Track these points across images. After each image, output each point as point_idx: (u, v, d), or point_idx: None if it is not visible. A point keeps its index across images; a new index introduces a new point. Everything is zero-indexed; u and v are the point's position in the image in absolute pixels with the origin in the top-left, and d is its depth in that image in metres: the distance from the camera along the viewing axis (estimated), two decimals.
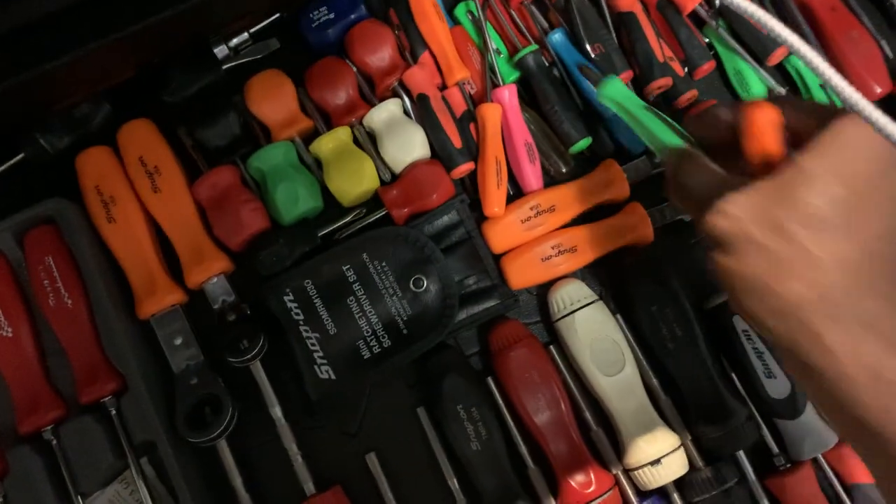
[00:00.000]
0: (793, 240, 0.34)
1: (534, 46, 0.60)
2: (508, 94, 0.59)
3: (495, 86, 0.60)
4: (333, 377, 0.56)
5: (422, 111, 0.59)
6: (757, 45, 0.60)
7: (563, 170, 0.61)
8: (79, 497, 0.54)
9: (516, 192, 0.61)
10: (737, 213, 0.35)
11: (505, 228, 0.59)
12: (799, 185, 0.34)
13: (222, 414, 0.54)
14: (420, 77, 0.59)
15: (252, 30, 0.60)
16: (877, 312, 0.33)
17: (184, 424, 0.54)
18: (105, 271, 0.57)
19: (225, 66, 0.60)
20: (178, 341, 0.57)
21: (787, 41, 0.35)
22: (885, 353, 0.33)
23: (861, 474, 0.57)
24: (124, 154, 0.58)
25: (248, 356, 0.55)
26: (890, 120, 0.34)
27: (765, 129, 0.37)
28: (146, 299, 0.56)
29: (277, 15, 0.60)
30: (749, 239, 0.35)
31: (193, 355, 0.56)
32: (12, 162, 0.59)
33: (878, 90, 0.60)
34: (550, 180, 0.61)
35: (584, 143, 0.59)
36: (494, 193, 0.57)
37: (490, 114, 0.59)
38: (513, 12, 0.63)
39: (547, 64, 0.61)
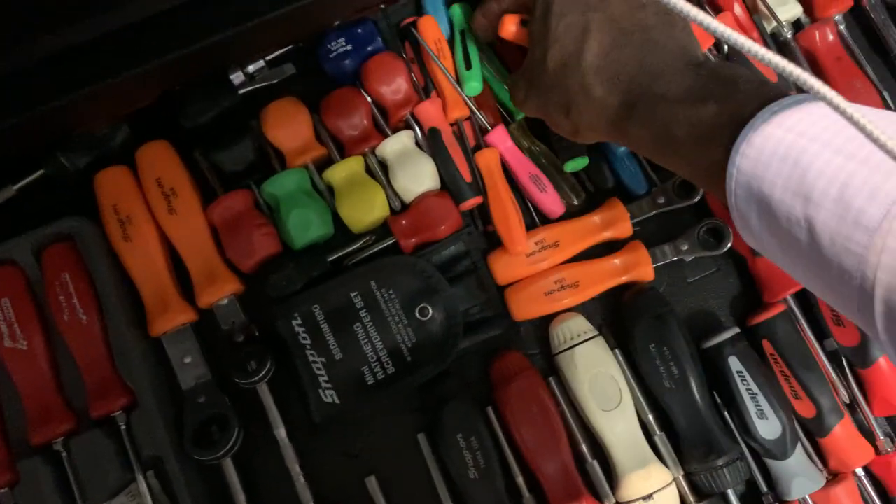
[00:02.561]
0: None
1: None
2: (498, 137, 0.61)
3: (486, 131, 0.62)
4: (337, 402, 0.57)
5: (432, 145, 0.60)
6: None
7: (575, 202, 0.62)
8: None
9: (541, 220, 0.63)
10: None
11: (510, 261, 0.60)
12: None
13: (228, 433, 0.56)
14: (431, 111, 0.61)
15: (268, 57, 0.61)
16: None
17: (191, 442, 0.56)
18: (119, 288, 0.59)
19: (241, 92, 0.61)
20: (188, 360, 0.58)
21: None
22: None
23: None
24: (142, 175, 0.60)
25: (256, 378, 0.56)
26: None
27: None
28: (158, 317, 0.58)
29: (292, 46, 0.62)
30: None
31: (202, 374, 0.58)
32: (32, 178, 0.60)
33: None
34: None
35: (580, 163, 0.61)
36: (513, 232, 0.58)
37: (488, 159, 0.60)
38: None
39: None
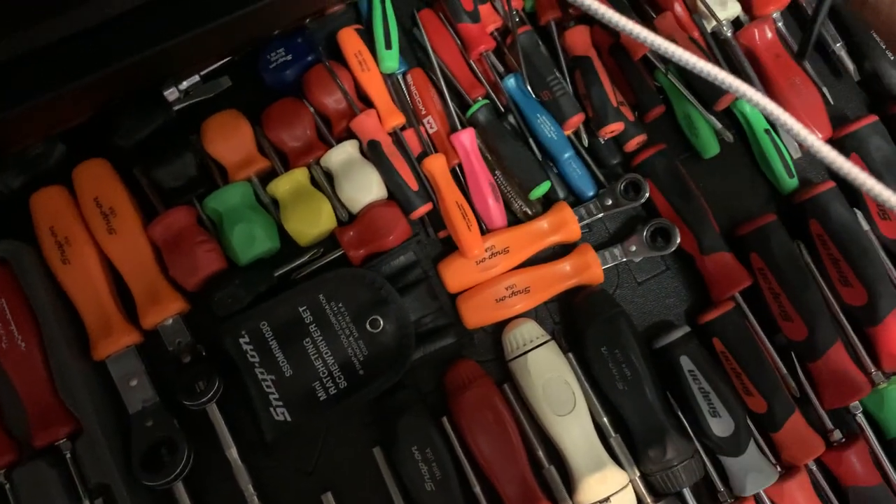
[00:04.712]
0: None
1: (482, 102, 0.62)
2: (466, 138, 0.60)
3: (454, 129, 0.61)
4: (289, 419, 0.56)
5: (373, 157, 0.60)
6: (705, 90, 0.61)
7: (530, 212, 0.62)
8: None
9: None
10: None
11: (460, 269, 0.60)
12: None
13: (178, 456, 0.55)
14: (368, 124, 0.60)
15: (203, 72, 0.60)
16: None
17: (139, 467, 0.54)
18: (59, 313, 0.57)
19: (176, 108, 0.59)
20: (134, 382, 0.57)
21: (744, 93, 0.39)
22: None
23: None
24: (79, 194, 0.58)
25: (204, 399, 0.55)
26: (838, 155, 0.41)
27: None
28: (101, 341, 0.56)
29: (229, 58, 0.60)
30: None
31: (149, 397, 0.57)
32: None
33: (820, 136, 0.62)
34: (515, 221, 0.62)
35: (542, 189, 0.60)
36: (467, 237, 0.58)
37: (435, 165, 0.60)
38: (472, 62, 0.64)
39: (503, 109, 0.63)
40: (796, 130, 0.43)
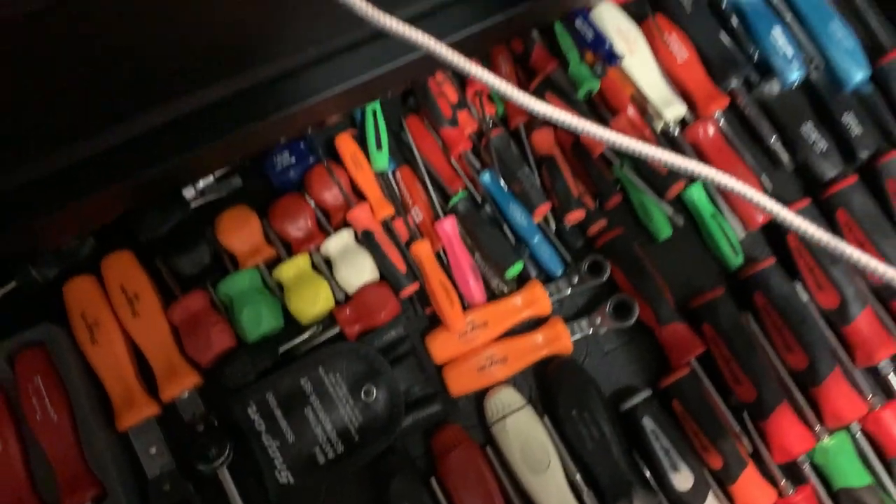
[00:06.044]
0: None
1: (462, 194, 0.70)
2: (448, 225, 0.69)
3: (438, 218, 0.69)
4: (292, 481, 0.62)
5: (367, 246, 0.68)
6: (657, 181, 0.69)
7: (506, 290, 0.70)
8: None
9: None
10: None
11: (445, 341, 0.67)
12: None
13: None
14: (362, 216, 0.68)
15: (217, 174, 0.69)
16: None
17: None
18: (88, 388, 0.64)
19: (193, 206, 0.68)
20: (153, 450, 0.63)
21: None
22: None
23: None
24: (107, 282, 0.66)
25: (216, 464, 0.61)
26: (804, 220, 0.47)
27: None
28: (125, 413, 0.63)
29: (240, 162, 0.69)
30: None
31: (167, 463, 0.63)
32: (5, 290, 0.66)
33: (759, 219, 0.70)
34: (493, 298, 0.70)
35: (516, 269, 0.68)
36: (450, 313, 0.66)
37: (421, 250, 0.68)
38: (452, 160, 0.73)
39: (480, 200, 0.71)
40: (750, 195, 0.48)
